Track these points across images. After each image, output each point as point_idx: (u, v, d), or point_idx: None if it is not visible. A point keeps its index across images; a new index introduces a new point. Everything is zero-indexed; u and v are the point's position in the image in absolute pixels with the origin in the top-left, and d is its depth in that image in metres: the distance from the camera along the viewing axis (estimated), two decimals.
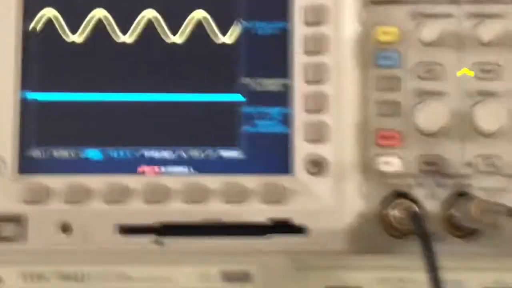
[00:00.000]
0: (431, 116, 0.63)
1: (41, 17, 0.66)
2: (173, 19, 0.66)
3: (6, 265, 0.61)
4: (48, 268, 0.61)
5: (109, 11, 0.66)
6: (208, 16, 0.66)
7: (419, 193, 0.64)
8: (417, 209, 0.62)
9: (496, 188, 0.64)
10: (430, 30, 0.64)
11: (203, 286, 0.61)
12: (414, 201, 0.63)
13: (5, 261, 0.60)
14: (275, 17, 0.66)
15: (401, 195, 0.64)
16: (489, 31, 0.64)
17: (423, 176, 0.64)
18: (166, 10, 0.65)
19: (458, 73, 0.65)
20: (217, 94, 0.65)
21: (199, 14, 0.66)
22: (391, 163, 0.64)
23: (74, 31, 0.66)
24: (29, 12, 0.65)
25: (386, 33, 0.65)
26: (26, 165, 0.64)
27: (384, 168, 0.64)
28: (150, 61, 0.65)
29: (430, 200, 0.63)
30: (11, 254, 0.61)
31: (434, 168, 0.64)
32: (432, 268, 0.54)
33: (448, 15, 0.65)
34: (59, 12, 0.65)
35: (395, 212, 0.62)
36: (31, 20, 0.65)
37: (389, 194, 0.64)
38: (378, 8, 0.65)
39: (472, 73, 0.65)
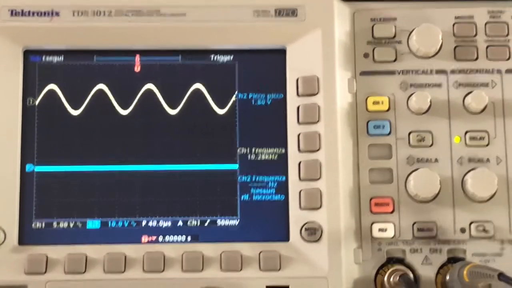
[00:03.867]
0: (423, 183, 0.62)
1: (42, 93, 0.66)
2: (171, 92, 0.66)
3: None
4: None
5: (108, 86, 0.66)
6: (204, 89, 0.66)
7: (413, 259, 0.63)
8: (412, 275, 0.62)
9: (490, 253, 0.63)
10: (420, 99, 0.64)
11: None
12: (409, 267, 0.62)
13: None
14: (269, 89, 0.65)
15: (396, 261, 0.63)
16: (477, 100, 0.64)
17: (417, 242, 0.63)
18: (163, 84, 0.65)
19: (448, 141, 0.64)
20: (213, 164, 0.64)
21: (195, 87, 0.65)
22: (385, 230, 0.62)
23: (73, 105, 0.66)
24: (29, 88, 0.65)
25: (377, 103, 0.65)
26: (27, 236, 0.63)
27: (378, 234, 0.62)
28: (148, 133, 0.65)
29: (425, 266, 0.63)
30: None
31: (428, 234, 0.63)
32: None
33: (436, 85, 0.65)
34: (59, 87, 0.65)
35: (390, 279, 0.61)
36: (32, 95, 0.65)
37: (385, 261, 0.63)
38: (369, 79, 0.66)
39: (461, 141, 0.64)
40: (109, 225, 0.64)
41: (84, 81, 0.66)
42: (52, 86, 0.65)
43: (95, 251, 0.62)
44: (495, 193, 0.63)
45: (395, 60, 0.66)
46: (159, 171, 0.64)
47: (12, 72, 0.65)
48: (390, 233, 0.63)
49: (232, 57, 0.66)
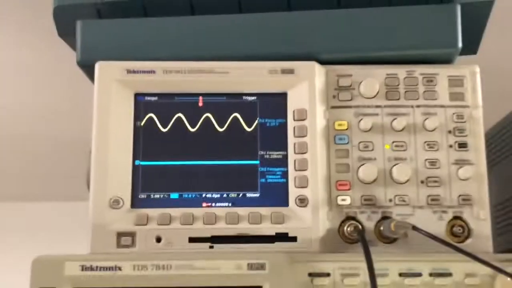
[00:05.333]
0: (367, 172, 0.66)
1: (144, 120, 0.69)
2: (220, 118, 0.68)
3: (123, 259, 0.58)
4: (147, 262, 0.59)
5: (183, 114, 0.69)
6: (239, 116, 0.69)
7: (361, 217, 0.66)
8: (360, 227, 0.65)
9: (406, 214, 0.66)
10: (366, 123, 0.67)
11: (237, 272, 0.59)
12: (359, 222, 0.65)
13: (124, 258, 0.59)
14: (277, 116, 0.68)
15: (351, 218, 0.65)
16: (399, 124, 0.67)
17: (364, 207, 0.66)
18: (215, 113, 0.69)
19: (382, 148, 0.68)
20: (244, 161, 0.67)
21: (234, 115, 0.69)
22: (345, 200, 0.66)
23: (163, 125, 0.68)
24: (137, 116, 0.69)
25: (340, 125, 0.68)
26: (136, 203, 0.66)
27: (341, 203, 0.66)
28: (206, 142, 0.68)
29: (368, 221, 0.65)
30: (127, 254, 0.63)
31: (370, 202, 0.66)
32: (369, 260, 0.57)
33: (375, 114, 0.68)
34: (155, 115, 0.69)
35: (348, 229, 0.65)
36: (139, 120, 0.69)
37: (345, 218, 0.65)
38: (335, 110, 0.68)
39: (389, 147, 0.68)
40: (184, 196, 0.66)
41: (169, 112, 0.68)
42: (151, 115, 0.68)
43: (175, 212, 0.65)
44: (409, 179, 0.66)
45: (351, 100, 0.68)
46: (212, 165, 0.67)
47: (128, 107, 0.68)
48: (348, 202, 0.66)
49: (255, 98, 0.69)
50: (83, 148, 0.71)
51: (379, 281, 0.57)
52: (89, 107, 0.66)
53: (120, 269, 0.57)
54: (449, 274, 0.61)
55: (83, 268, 0.57)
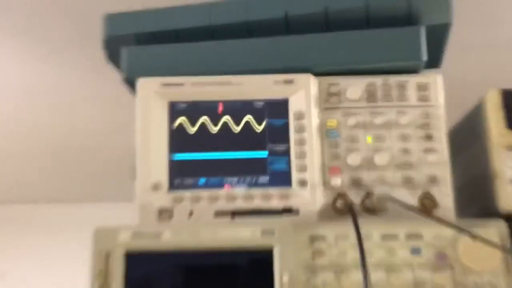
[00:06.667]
0: (353, 159, 0.66)
1: (176, 122, 0.68)
2: (236, 120, 0.68)
3: (163, 229, 0.60)
4: (182, 230, 0.60)
5: (207, 117, 0.69)
6: (252, 118, 0.69)
7: (350, 194, 0.66)
8: (349, 202, 0.65)
9: (385, 191, 0.66)
10: (351, 120, 0.67)
11: (253, 235, 0.60)
12: (348, 198, 0.65)
13: (164, 228, 0.60)
14: (281, 117, 0.68)
15: (342, 195, 0.66)
16: (378, 121, 0.68)
17: (352, 187, 0.66)
18: (232, 117, 0.69)
19: (365, 140, 0.68)
20: (256, 152, 0.67)
21: (247, 117, 0.69)
22: (337, 181, 0.66)
23: (191, 126, 0.68)
24: (170, 119, 0.68)
25: (331, 122, 0.68)
26: (171, 186, 0.66)
27: (333, 184, 0.66)
28: (225, 140, 0.68)
29: (356, 198, 0.65)
30: (166, 225, 0.62)
31: (356, 183, 0.66)
32: (357, 228, 0.57)
33: (359, 113, 0.68)
34: (186, 118, 0.69)
35: (339, 203, 0.65)
36: (172, 122, 0.69)
37: (336, 195, 0.65)
38: (327, 111, 0.69)
39: (371, 140, 0.68)
40: (209, 181, 0.67)
41: (196, 116, 0.68)
42: (182, 118, 0.69)
43: (203, 193, 0.65)
44: (387, 164, 0.66)
45: (339, 103, 0.68)
46: (231, 156, 0.67)
47: (163, 112, 0.68)
48: (339, 183, 0.66)
49: (264, 103, 0.69)
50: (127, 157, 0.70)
51: (365, 243, 0.57)
52: (131, 124, 0.66)
53: (161, 236, 0.59)
54: (421, 237, 0.61)
55: (133, 235, 0.59)
